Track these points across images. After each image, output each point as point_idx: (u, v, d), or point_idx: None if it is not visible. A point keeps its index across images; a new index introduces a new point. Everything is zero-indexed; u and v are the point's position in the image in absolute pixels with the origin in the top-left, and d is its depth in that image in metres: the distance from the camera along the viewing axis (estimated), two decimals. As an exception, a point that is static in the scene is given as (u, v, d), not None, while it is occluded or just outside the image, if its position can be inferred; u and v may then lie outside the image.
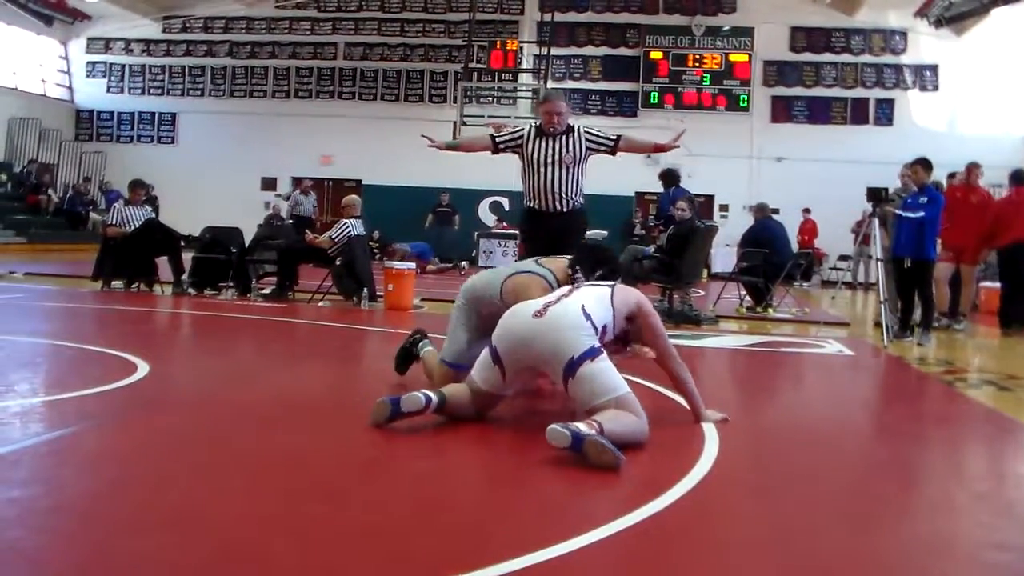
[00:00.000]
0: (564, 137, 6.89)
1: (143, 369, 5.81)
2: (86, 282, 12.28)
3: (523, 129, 7.06)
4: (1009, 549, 3.21)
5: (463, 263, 20.71)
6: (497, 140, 7.09)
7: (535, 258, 5.69)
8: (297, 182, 25.77)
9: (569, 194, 6.93)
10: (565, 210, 6.96)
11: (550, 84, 23.84)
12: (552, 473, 3.83)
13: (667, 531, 3.15)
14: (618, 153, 7.15)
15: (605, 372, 4.26)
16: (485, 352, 4.55)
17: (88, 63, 28.25)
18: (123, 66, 28.10)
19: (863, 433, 5.30)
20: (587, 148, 6.95)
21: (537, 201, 6.96)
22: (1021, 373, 8.08)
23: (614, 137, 7.07)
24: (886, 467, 4.31)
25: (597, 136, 7.02)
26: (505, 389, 4.58)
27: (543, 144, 6.88)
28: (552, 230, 6.95)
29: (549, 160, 6.85)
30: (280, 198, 24.37)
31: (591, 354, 4.26)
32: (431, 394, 4.40)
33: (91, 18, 27.84)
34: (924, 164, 10.29)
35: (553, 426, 3.88)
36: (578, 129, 6.98)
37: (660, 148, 7.28)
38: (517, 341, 4.41)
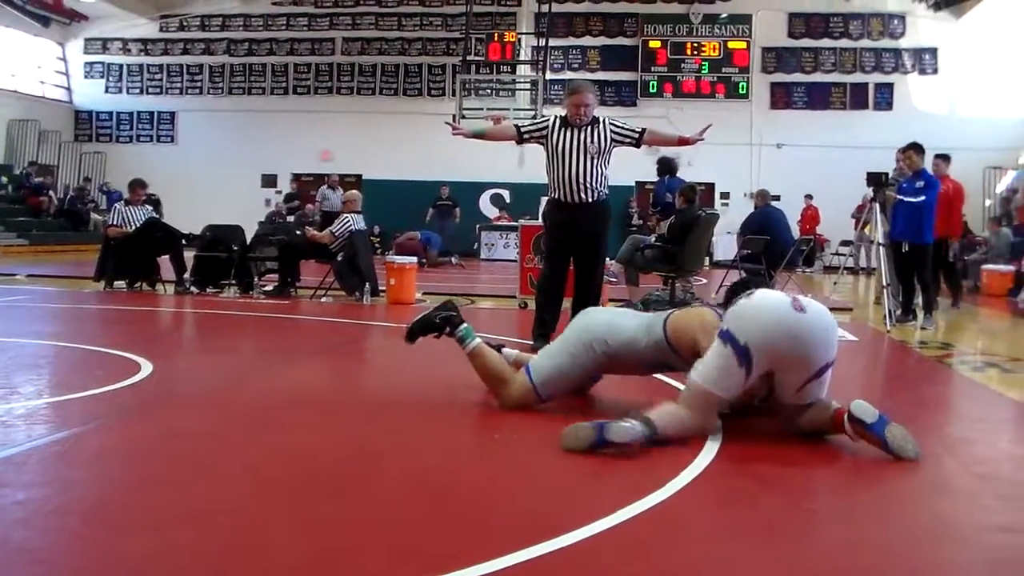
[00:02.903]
0: (589, 128, 6.94)
1: (147, 368, 5.82)
2: (88, 283, 12.29)
3: (548, 119, 7.11)
4: (1011, 531, 3.22)
5: (453, 257, 20.67)
6: (522, 130, 7.17)
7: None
8: (297, 178, 25.82)
9: (595, 184, 6.98)
10: (591, 200, 7.01)
11: (549, 75, 23.81)
12: (557, 464, 3.85)
13: (671, 520, 3.17)
14: (642, 146, 7.23)
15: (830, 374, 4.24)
16: (721, 357, 4.10)
17: (86, 64, 28.24)
18: (121, 66, 28.09)
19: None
20: (612, 140, 7.00)
21: (562, 192, 7.01)
22: (1024, 355, 8.08)
23: (639, 130, 7.14)
24: (888, 459, 4.32)
25: (622, 128, 7.08)
26: (738, 393, 4.22)
27: (568, 135, 6.93)
28: (578, 221, 7.03)
29: (574, 151, 6.90)
30: (279, 196, 24.40)
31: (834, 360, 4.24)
32: (639, 424, 3.96)
33: (88, 19, 27.82)
34: (917, 149, 10.27)
35: (860, 403, 4.00)
36: (604, 120, 7.03)
37: (684, 141, 7.34)
38: (787, 336, 4.06)
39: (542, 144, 7.10)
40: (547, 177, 7.13)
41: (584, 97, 6.96)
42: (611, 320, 4.84)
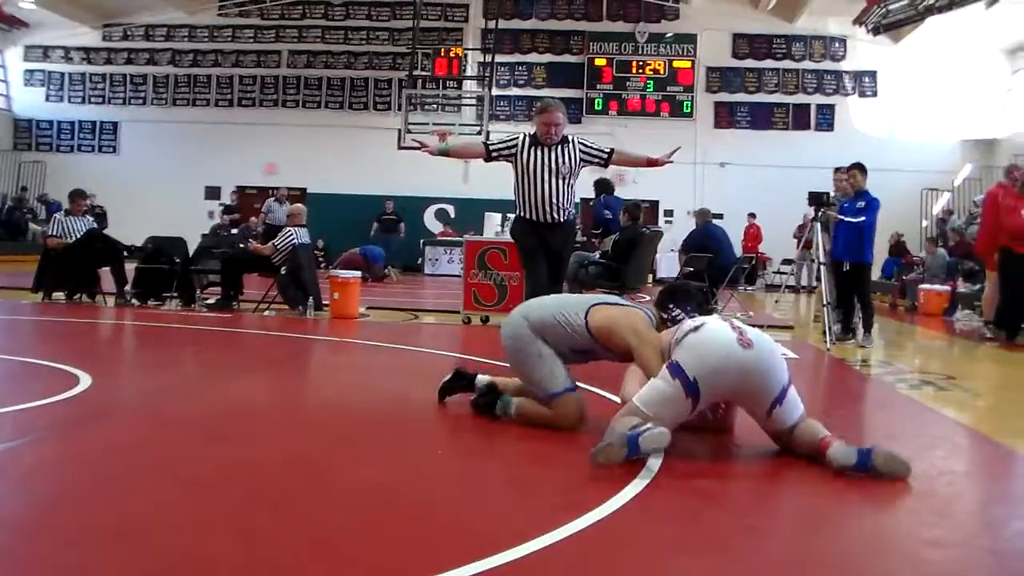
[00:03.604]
0: (560, 147, 6.91)
1: (85, 381, 5.73)
2: (26, 294, 12.08)
3: (517, 138, 7.05)
4: (945, 546, 3.28)
5: (387, 269, 20.61)
6: (491, 148, 7.12)
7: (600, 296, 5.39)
8: (240, 191, 25.59)
9: (565, 204, 6.97)
10: (560, 220, 7.00)
11: (495, 91, 23.91)
12: (499, 480, 3.85)
13: (613, 537, 3.17)
14: (610, 166, 7.24)
15: (794, 392, 4.29)
16: (669, 387, 4.15)
17: (26, 71, 27.83)
18: (62, 74, 27.73)
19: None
20: (581, 159, 6.99)
21: (532, 211, 6.97)
22: (958, 374, 8.23)
23: (608, 150, 7.13)
24: (830, 473, 4.37)
25: (591, 148, 7.06)
26: (686, 419, 4.30)
27: (538, 154, 6.89)
28: (549, 241, 7.02)
29: (545, 170, 6.86)
30: (222, 208, 24.16)
31: (789, 381, 4.28)
32: (654, 424, 4.01)
33: (28, 25, 27.40)
34: (861, 169, 10.44)
35: (839, 448, 4.03)
36: (573, 140, 7.00)
37: (653, 163, 7.27)
38: (737, 372, 4.14)
39: (510, 162, 7.05)
40: (515, 196, 7.08)
41: (554, 116, 6.91)
42: (539, 301, 5.15)
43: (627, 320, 4.69)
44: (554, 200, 6.90)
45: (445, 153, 7.65)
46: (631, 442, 3.88)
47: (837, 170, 11.54)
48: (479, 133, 20.41)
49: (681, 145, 7.57)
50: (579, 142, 7.04)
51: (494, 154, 7.08)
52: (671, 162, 7.25)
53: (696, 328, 4.29)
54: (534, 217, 6.99)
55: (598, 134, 22.46)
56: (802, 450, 4.23)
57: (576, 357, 4.86)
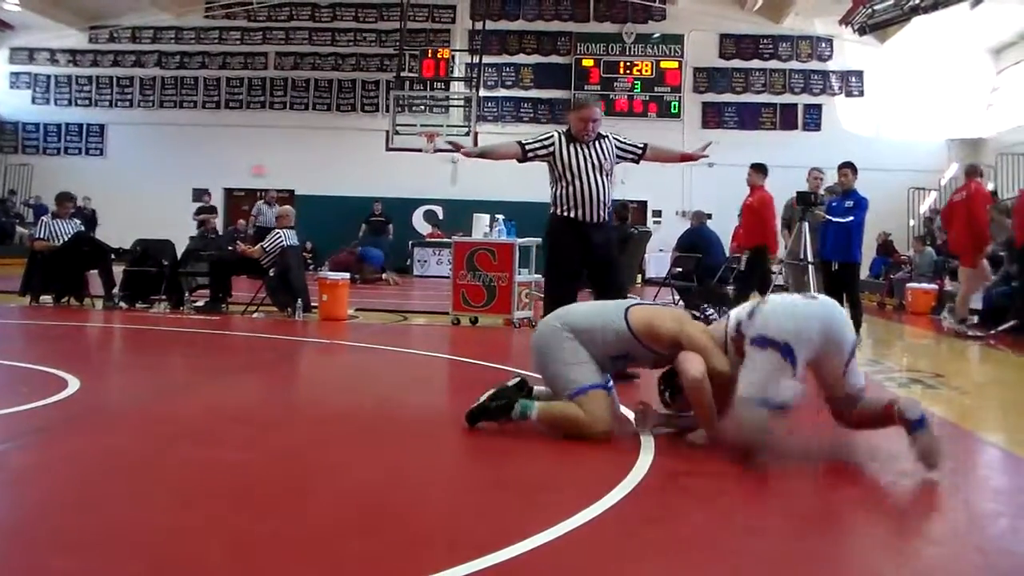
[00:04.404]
0: (597, 144, 6.72)
1: (74, 385, 5.72)
2: (14, 297, 12.04)
3: (552, 136, 6.80)
4: (933, 542, 3.29)
5: (385, 273, 20.60)
6: (527, 148, 6.78)
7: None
8: (228, 193, 25.51)
9: (607, 201, 6.76)
10: (604, 219, 6.78)
11: (482, 92, 23.91)
12: (487, 481, 3.86)
13: (603, 538, 3.18)
14: (642, 161, 7.03)
15: None
16: (766, 361, 4.25)
17: (12, 74, 27.65)
18: (48, 76, 27.57)
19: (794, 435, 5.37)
20: (617, 155, 6.83)
21: (577, 210, 6.69)
22: (947, 372, 8.27)
23: (641, 145, 6.94)
24: (814, 466, 4.39)
25: (626, 144, 6.88)
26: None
27: (579, 151, 6.68)
28: (592, 241, 6.72)
29: (588, 166, 6.65)
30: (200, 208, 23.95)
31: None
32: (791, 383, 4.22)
33: (14, 28, 27.24)
34: (851, 168, 10.46)
35: (907, 401, 4.22)
36: (608, 136, 6.82)
37: (687, 157, 7.21)
38: (817, 322, 4.32)
39: (546, 161, 6.78)
40: (554, 195, 6.80)
41: (592, 112, 6.72)
42: (574, 307, 5.12)
43: (668, 311, 4.84)
44: (599, 197, 6.66)
45: (482, 155, 7.43)
46: (764, 403, 4.07)
47: (813, 170, 11.66)
48: (467, 134, 20.41)
49: (713, 141, 7.27)
50: (614, 137, 6.86)
51: (530, 154, 6.77)
52: (706, 156, 7.10)
53: (756, 307, 4.44)
54: (580, 216, 6.68)
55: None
56: (866, 420, 4.41)
57: (611, 363, 4.81)
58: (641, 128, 24.21)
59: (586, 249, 6.73)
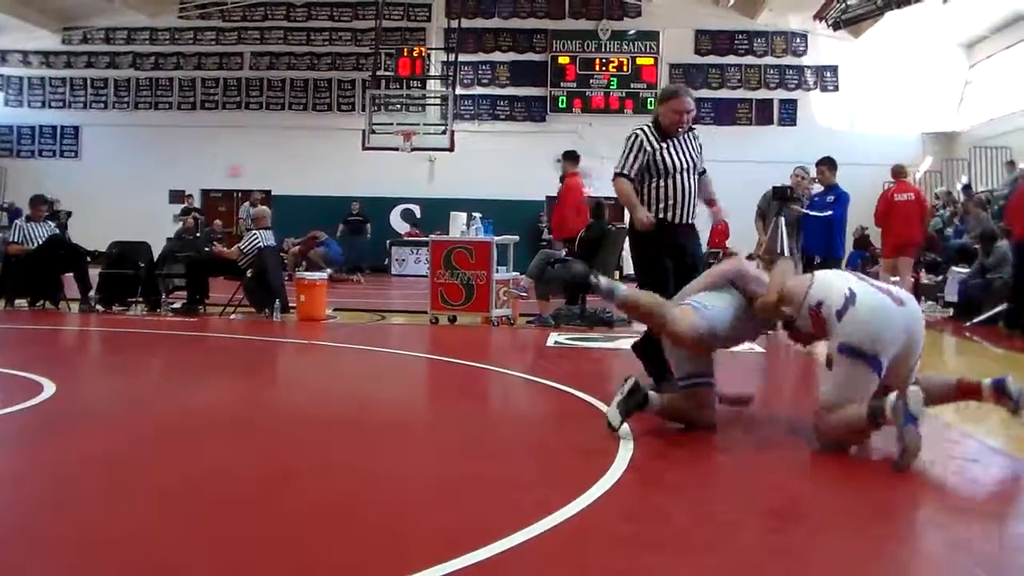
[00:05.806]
0: (688, 137, 6.22)
1: (49, 389, 5.69)
2: (-12, 301, 11.97)
3: (638, 138, 6.09)
4: (907, 537, 3.32)
5: (356, 275, 20.61)
6: (631, 174, 6.06)
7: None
8: (205, 195, 25.41)
9: (696, 202, 6.23)
10: (694, 221, 6.23)
11: (458, 90, 23.89)
12: (466, 481, 3.86)
13: (582, 535, 3.19)
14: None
15: None
16: (855, 372, 4.31)
17: (-16, 76, 27.50)
18: (21, 78, 27.36)
19: (773, 428, 5.40)
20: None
21: (675, 212, 6.05)
22: (925, 364, 8.29)
23: (704, 168, 6.43)
24: (795, 462, 4.42)
25: (701, 154, 6.34)
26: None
27: (674, 148, 6.09)
28: (684, 246, 6.17)
29: (686, 164, 6.10)
30: (186, 209, 23.85)
31: None
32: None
33: (-15, 30, 27.08)
34: (830, 164, 10.50)
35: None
36: (694, 130, 6.31)
37: (710, 203, 6.59)
38: (903, 331, 4.37)
39: (645, 166, 6.08)
40: (647, 196, 6.09)
41: (686, 102, 6.13)
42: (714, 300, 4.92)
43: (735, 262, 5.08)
44: (692, 195, 6.13)
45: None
46: (908, 415, 4.02)
47: (797, 168, 11.66)
48: (443, 133, 20.41)
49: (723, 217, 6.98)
50: (696, 134, 6.32)
51: (635, 176, 6.05)
52: (716, 212, 6.67)
53: (848, 301, 4.35)
54: (672, 216, 6.04)
55: (563, 132, 22.70)
56: (935, 402, 4.50)
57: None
58: (617, 125, 24.24)
59: (680, 255, 6.10)
